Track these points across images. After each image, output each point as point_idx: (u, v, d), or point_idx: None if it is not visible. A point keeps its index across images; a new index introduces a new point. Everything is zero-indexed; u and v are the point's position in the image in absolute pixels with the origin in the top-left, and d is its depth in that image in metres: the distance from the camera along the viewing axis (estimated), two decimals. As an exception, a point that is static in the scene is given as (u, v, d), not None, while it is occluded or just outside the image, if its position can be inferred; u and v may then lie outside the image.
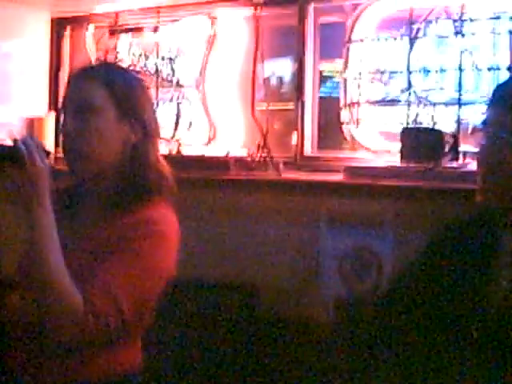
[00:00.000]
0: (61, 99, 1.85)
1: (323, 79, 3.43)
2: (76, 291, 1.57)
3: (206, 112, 3.59)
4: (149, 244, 1.68)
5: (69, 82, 1.85)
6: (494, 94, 1.54)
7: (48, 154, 1.60)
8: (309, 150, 3.35)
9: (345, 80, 3.20)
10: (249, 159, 3.21)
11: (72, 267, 1.59)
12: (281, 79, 3.58)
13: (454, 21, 2.89)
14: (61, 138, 1.81)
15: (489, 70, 2.85)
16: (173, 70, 3.64)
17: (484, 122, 1.48)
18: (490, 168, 1.43)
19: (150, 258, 1.67)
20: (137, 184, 1.74)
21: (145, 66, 3.67)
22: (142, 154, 1.76)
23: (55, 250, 1.57)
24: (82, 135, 1.72)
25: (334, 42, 3.30)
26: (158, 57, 3.64)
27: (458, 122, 2.87)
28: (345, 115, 3.20)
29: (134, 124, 1.76)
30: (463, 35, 2.87)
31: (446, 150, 2.80)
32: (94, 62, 3.58)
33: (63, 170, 1.81)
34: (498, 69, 2.83)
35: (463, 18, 2.87)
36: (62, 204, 1.71)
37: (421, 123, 2.96)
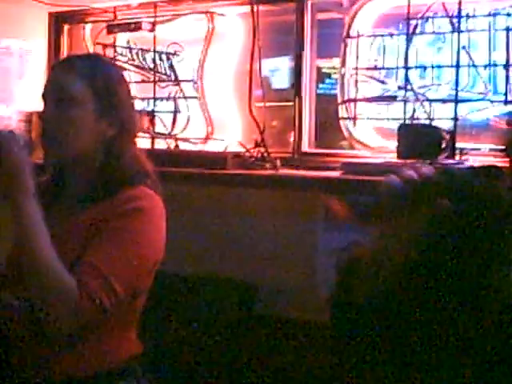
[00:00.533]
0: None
1: (321, 76, 3.43)
2: (68, 275, 1.58)
3: (204, 108, 3.59)
4: (129, 220, 1.69)
5: (52, 69, 1.85)
6: None
7: (30, 145, 1.62)
8: (306, 146, 3.36)
9: (342, 77, 3.20)
10: (246, 155, 3.21)
11: (59, 256, 1.60)
12: (279, 76, 3.58)
13: (452, 17, 2.90)
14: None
15: (486, 67, 2.86)
16: (171, 65, 3.64)
17: None
18: None
19: (132, 233, 1.68)
20: (111, 177, 1.74)
21: (143, 61, 3.66)
22: (117, 149, 1.76)
23: (43, 236, 1.58)
24: (58, 124, 1.73)
25: (332, 38, 3.30)
26: (156, 52, 3.64)
27: (455, 118, 2.88)
28: (342, 112, 3.20)
29: (111, 119, 1.75)
30: (460, 32, 2.88)
31: (443, 146, 2.81)
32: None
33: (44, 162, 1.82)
34: (495, 66, 2.84)
35: (461, 15, 2.88)
36: (43, 195, 1.71)
37: (418, 120, 2.96)
